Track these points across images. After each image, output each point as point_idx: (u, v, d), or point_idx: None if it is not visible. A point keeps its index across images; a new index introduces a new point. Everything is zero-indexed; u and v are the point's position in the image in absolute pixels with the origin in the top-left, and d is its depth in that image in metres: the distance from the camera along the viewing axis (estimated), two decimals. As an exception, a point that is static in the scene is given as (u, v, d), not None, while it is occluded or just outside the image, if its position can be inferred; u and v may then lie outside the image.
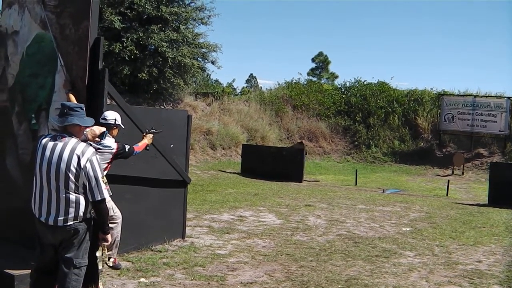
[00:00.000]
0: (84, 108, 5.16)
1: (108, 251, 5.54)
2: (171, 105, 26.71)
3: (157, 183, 9.00)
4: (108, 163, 6.93)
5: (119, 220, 7.35)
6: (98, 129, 6.42)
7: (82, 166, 4.84)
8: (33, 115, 7.59)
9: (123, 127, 7.31)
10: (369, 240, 10.51)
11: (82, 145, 4.96)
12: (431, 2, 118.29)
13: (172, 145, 9.23)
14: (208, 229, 10.82)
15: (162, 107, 25.87)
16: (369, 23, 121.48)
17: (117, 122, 7.18)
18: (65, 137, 4.93)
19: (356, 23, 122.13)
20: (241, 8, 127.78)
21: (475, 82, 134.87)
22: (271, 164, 22.04)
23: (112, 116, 7.13)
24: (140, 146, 7.52)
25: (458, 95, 32.55)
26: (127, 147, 7.15)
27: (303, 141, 26.59)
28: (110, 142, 6.98)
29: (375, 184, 22.60)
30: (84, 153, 4.88)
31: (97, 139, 6.39)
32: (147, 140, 7.69)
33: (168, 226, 9.34)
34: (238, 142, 27.11)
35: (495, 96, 31.54)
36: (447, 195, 19.92)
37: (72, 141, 4.92)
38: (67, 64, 7.04)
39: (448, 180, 21.89)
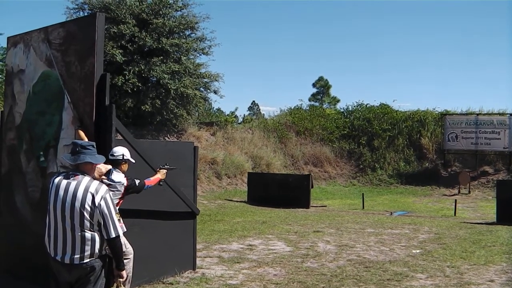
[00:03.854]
0: (95, 146, 5.20)
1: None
2: (175, 136, 26.77)
3: (166, 215, 9.02)
4: (119, 198, 6.95)
5: (131, 256, 7.35)
6: (104, 167, 6.47)
7: (96, 204, 4.86)
8: (41, 153, 7.65)
9: (133, 161, 7.33)
10: (379, 264, 10.48)
11: (96, 183, 4.99)
12: (427, 23, 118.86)
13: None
14: (218, 259, 10.80)
15: (167, 138, 25.95)
16: (367, 45, 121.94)
17: (125, 157, 7.20)
18: (78, 175, 4.96)
19: (355, 46, 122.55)
20: (241, 36, 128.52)
21: (478, 101, 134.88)
22: (278, 191, 22.04)
23: (120, 151, 7.15)
24: (152, 180, 7.56)
25: (460, 114, 32.66)
26: (137, 181, 7.18)
27: (311, 173, 26.49)
28: (119, 177, 7.01)
29: (382, 207, 22.55)
30: (98, 191, 4.91)
31: (103, 177, 6.43)
32: (160, 175, 7.75)
33: (178, 257, 9.33)
34: (244, 170, 27.13)
35: (498, 113, 31.61)
36: (455, 214, 19.86)
37: (86, 179, 4.95)
38: (74, 101, 7.12)
39: (455, 200, 21.85)
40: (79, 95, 7.13)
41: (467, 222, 17.37)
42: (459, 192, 28.43)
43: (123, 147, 7.29)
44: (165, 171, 7.85)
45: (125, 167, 7.23)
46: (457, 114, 32.75)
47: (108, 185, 6.42)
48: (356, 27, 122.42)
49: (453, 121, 31.42)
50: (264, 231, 14.66)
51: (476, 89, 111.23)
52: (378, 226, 15.87)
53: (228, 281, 9.01)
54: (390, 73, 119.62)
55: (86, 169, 5.05)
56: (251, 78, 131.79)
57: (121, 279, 5.31)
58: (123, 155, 7.16)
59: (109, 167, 6.62)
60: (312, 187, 22.94)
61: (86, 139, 6.56)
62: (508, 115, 30.50)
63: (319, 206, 22.53)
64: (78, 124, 6.87)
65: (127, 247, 7.22)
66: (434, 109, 35.33)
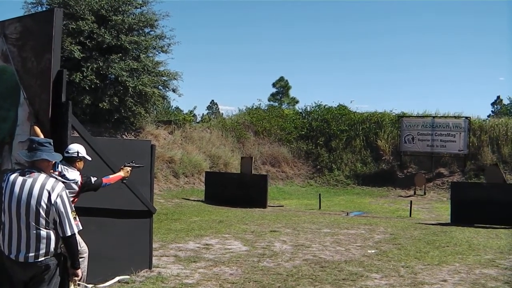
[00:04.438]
0: (52, 143, 5.13)
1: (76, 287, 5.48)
2: (133, 134, 26.57)
3: (122, 214, 8.96)
4: (74, 196, 6.83)
5: (86, 255, 7.26)
6: None
7: (52, 202, 4.80)
8: (-5, 149, 7.52)
9: (89, 159, 7.24)
10: (335, 264, 10.56)
11: (52, 180, 4.93)
12: (384, 25, 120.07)
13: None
14: (174, 258, 10.77)
15: (124, 136, 25.73)
16: (328, 47, 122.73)
17: (80, 154, 7.09)
18: (34, 172, 4.89)
19: (315, 47, 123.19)
20: (201, 35, 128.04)
21: (434, 104, 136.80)
22: (235, 191, 22.07)
23: (75, 148, 7.05)
24: (111, 178, 7.48)
25: (417, 116, 33.13)
26: (93, 179, 7.10)
27: (252, 157, 26.52)
28: (74, 175, 6.92)
29: (339, 207, 22.72)
30: (54, 189, 4.85)
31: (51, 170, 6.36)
32: (123, 173, 7.69)
33: (134, 256, 9.27)
34: (201, 169, 27.06)
35: (454, 116, 32.08)
36: (410, 215, 20.13)
37: (42, 176, 4.88)
38: (30, 97, 7.03)
39: (411, 201, 22.17)
40: (35, 91, 7.04)
41: (422, 223, 17.61)
42: (414, 193, 28.84)
43: (78, 144, 7.20)
44: (129, 169, 7.78)
45: (80, 164, 7.14)
46: (413, 116, 33.19)
47: (62, 182, 6.35)
48: (317, 28, 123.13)
49: (409, 123, 31.83)
50: (221, 230, 14.67)
51: (432, 92, 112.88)
52: (334, 226, 16.00)
53: (184, 280, 8.99)
54: (350, 75, 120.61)
55: (42, 166, 4.98)
56: (211, 77, 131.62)
57: (76, 278, 5.26)
58: (78, 152, 7.06)
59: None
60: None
61: (42, 136, 6.47)
62: (463, 118, 31.00)
63: (276, 206, 22.62)
64: (34, 121, 6.78)
65: (82, 246, 7.13)
66: (391, 111, 35.83)
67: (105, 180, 7.32)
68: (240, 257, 11.00)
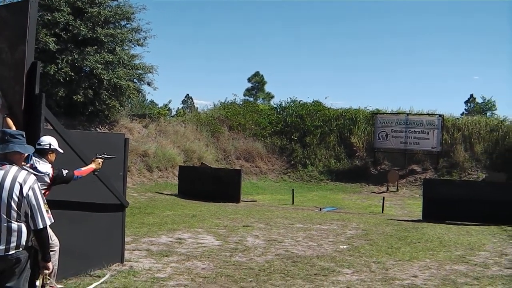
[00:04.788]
0: (24, 136, 5.10)
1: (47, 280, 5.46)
2: (107, 127, 26.44)
3: (95, 207, 8.92)
4: (46, 189, 6.79)
5: (57, 248, 7.21)
6: None
7: (24, 195, 4.77)
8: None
9: (61, 151, 7.20)
10: (307, 259, 10.62)
11: (24, 173, 4.90)
12: (360, 24, 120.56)
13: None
14: (146, 252, 10.76)
15: (98, 129, 25.60)
16: (303, 43, 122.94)
17: (52, 147, 7.04)
18: (5, 164, 4.86)
19: (291, 43, 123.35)
20: (178, 29, 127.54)
21: (408, 101, 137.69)
22: (209, 185, 22.07)
23: (47, 140, 7.01)
24: (83, 170, 7.46)
25: (391, 113, 33.41)
26: (64, 171, 7.07)
27: (242, 169, 26.67)
28: (46, 167, 6.89)
29: (312, 203, 22.82)
30: (26, 181, 4.82)
31: (23, 163, 6.31)
32: (94, 165, 7.67)
33: (106, 250, 9.24)
34: (175, 163, 27.02)
35: (427, 114, 32.41)
36: (382, 211, 20.30)
37: (14, 169, 4.85)
38: (3, 89, 6.97)
39: (383, 197, 22.34)
40: (8, 83, 6.99)
41: (394, 219, 17.76)
42: (387, 189, 29.06)
43: (51, 136, 7.16)
44: (100, 160, 7.75)
45: (52, 156, 7.10)
46: (387, 113, 33.47)
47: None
48: (293, 25, 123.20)
49: (383, 120, 32.07)
50: (194, 224, 14.68)
51: (406, 90, 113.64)
52: (307, 222, 16.08)
53: (156, 274, 8.99)
54: (326, 71, 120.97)
55: (14, 159, 4.95)
56: (186, 71, 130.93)
57: (46, 271, 5.24)
58: (50, 144, 7.02)
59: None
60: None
61: (14, 128, 6.43)
62: (437, 115, 31.34)
63: (250, 201, 22.67)
64: (7, 112, 6.74)
65: (53, 239, 7.09)
66: (365, 107, 36.06)
67: (76, 172, 7.29)
68: (212, 252, 11.02)
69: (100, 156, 7.82)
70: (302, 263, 10.28)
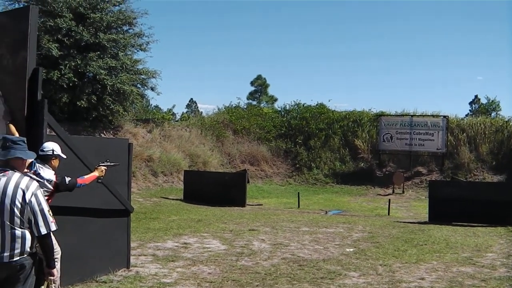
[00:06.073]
0: (26, 142, 5.07)
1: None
2: (111, 132, 26.45)
3: (100, 213, 8.88)
4: (49, 196, 6.72)
5: (59, 256, 7.14)
6: None
7: (27, 201, 4.74)
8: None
9: (64, 157, 7.14)
10: (313, 263, 10.57)
11: (26, 179, 4.87)
12: (364, 26, 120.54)
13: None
14: (152, 257, 10.72)
15: (102, 134, 25.61)
16: (306, 46, 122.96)
17: (55, 153, 6.98)
18: (8, 171, 4.83)
19: (294, 47, 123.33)
20: (180, 33, 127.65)
21: (412, 103, 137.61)
22: (214, 190, 22.02)
23: (50, 146, 6.94)
24: (86, 178, 7.35)
25: (395, 115, 33.29)
26: (67, 179, 6.98)
27: (246, 169, 26.65)
28: (49, 174, 6.83)
29: (318, 206, 22.76)
30: (29, 187, 4.79)
31: (26, 170, 6.24)
32: (97, 172, 7.57)
33: (112, 256, 9.21)
34: (180, 168, 26.97)
35: (432, 115, 32.32)
36: (388, 214, 20.22)
37: (16, 175, 4.82)
38: (5, 95, 6.94)
39: (389, 199, 22.23)
40: (10, 89, 6.97)
41: (400, 221, 17.70)
42: (393, 192, 28.96)
43: (53, 142, 7.10)
44: (103, 168, 7.65)
45: (55, 162, 7.04)
46: (392, 115, 33.38)
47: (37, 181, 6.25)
48: (296, 29, 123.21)
49: (388, 122, 32.01)
50: (200, 229, 14.63)
51: (410, 91, 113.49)
52: (313, 225, 16.02)
53: (162, 280, 8.95)
54: (329, 74, 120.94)
55: (16, 165, 4.92)
56: (190, 75, 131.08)
57: (51, 277, 5.20)
58: (53, 150, 6.95)
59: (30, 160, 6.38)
60: (248, 182, 23.03)
61: (17, 134, 6.40)
62: (441, 117, 31.27)
63: (255, 205, 22.61)
64: (10, 119, 6.70)
65: (55, 247, 7.03)
66: (369, 110, 36.02)
67: (80, 180, 7.18)
68: (218, 256, 10.97)
69: (103, 164, 7.74)
70: (309, 266, 10.22)
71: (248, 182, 22.90)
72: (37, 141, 6.71)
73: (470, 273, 9.93)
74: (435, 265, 10.54)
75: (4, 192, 4.73)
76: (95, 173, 7.57)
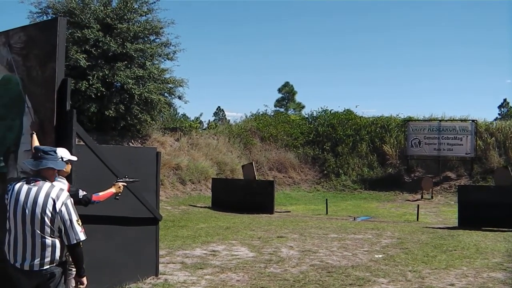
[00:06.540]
0: (57, 152, 5.16)
1: None
2: (139, 141, 26.63)
3: (128, 221, 8.95)
4: None
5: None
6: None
7: (57, 210, 4.82)
8: (1, 158, 7.54)
9: (75, 159, 6.50)
10: (342, 269, 10.53)
11: (57, 188, 4.95)
12: (390, 34, 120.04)
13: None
14: (181, 265, 10.76)
15: (130, 143, 25.80)
16: (334, 53, 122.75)
17: (64, 159, 6.66)
18: (39, 181, 4.92)
19: (322, 54, 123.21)
20: (206, 42, 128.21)
21: (440, 107, 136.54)
22: (242, 197, 22.07)
23: (58, 154, 6.66)
24: (101, 195, 6.86)
25: (423, 120, 33.07)
26: (81, 193, 6.54)
27: (252, 162, 26.53)
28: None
29: (346, 212, 22.67)
30: (59, 197, 4.87)
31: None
32: (114, 189, 7.10)
33: (141, 264, 9.27)
34: (208, 176, 27.06)
35: (460, 120, 32.05)
36: (417, 219, 20.08)
37: (46, 185, 4.91)
38: (34, 106, 7.04)
39: (418, 205, 22.09)
40: (40, 100, 7.05)
41: (429, 227, 17.55)
42: (422, 197, 28.74)
43: (60, 148, 6.66)
44: (121, 184, 7.24)
45: (67, 168, 6.66)
46: (420, 120, 33.17)
47: None
48: (323, 36, 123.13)
49: (416, 127, 31.82)
50: (228, 236, 14.66)
51: (438, 96, 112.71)
52: (341, 231, 15.96)
53: (191, 287, 8.99)
54: (357, 80, 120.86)
55: (47, 175, 5.01)
56: (217, 83, 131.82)
57: (81, 286, 5.25)
58: (61, 158, 6.64)
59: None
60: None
61: (37, 144, 6.37)
62: (470, 121, 31.00)
63: (283, 212, 22.60)
64: (35, 130, 6.74)
65: None
66: (397, 115, 35.80)
67: (95, 197, 6.74)
68: (247, 263, 10.99)
69: (121, 180, 7.37)
70: (337, 273, 10.19)
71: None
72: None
73: (501, 279, 9.84)
74: (465, 271, 10.45)
75: (35, 202, 4.81)
76: (112, 190, 7.12)
